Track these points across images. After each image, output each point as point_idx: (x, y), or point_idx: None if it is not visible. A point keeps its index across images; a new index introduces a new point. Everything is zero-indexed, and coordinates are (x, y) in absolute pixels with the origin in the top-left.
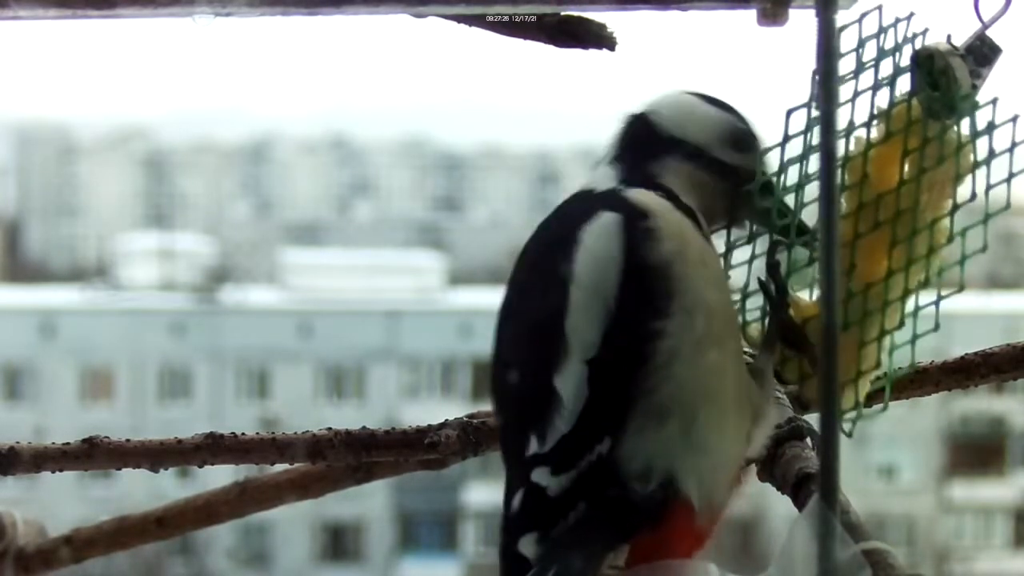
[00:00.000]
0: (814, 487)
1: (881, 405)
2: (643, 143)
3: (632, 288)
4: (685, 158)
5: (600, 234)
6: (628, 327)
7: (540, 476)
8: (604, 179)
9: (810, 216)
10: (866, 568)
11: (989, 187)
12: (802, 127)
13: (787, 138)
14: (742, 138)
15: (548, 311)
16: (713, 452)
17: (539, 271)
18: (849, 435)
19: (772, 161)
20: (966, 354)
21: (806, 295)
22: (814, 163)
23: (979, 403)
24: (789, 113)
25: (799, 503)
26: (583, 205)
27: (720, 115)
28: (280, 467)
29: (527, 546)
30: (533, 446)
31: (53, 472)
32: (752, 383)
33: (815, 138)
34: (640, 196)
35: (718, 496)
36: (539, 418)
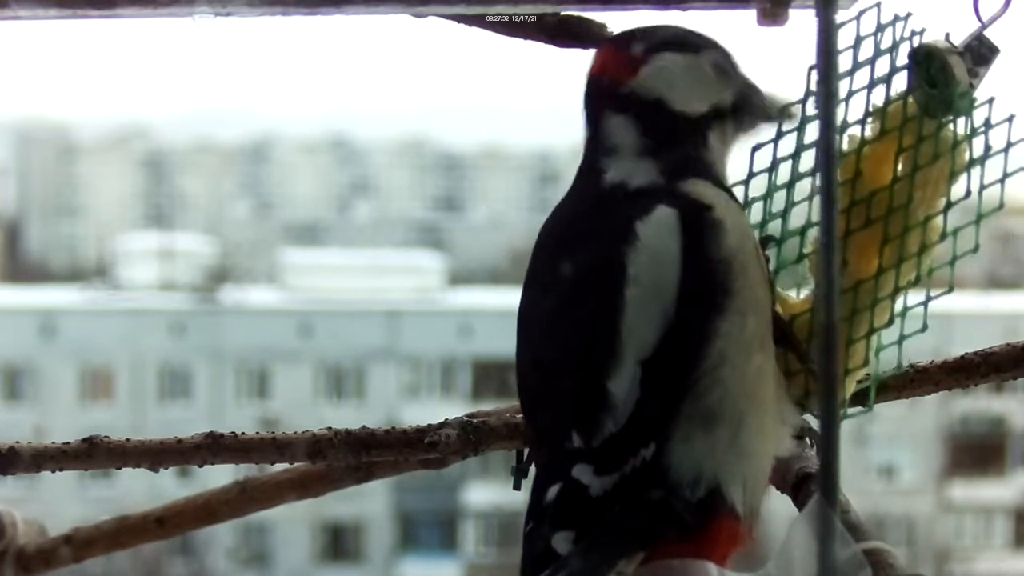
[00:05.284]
0: (814, 487)
1: (865, 407)
2: (668, 130)
3: (691, 286)
4: (711, 127)
5: (659, 230)
6: (685, 328)
7: (582, 473)
8: (639, 172)
9: (800, 215)
10: (866, 567)
11: (983, 187)
12: (795, 124)
13: (780, 135)
14: (727, 68)
15: (600, 308)
16: (756, 457)
17: (585, 264)
18: None
19: (764, 159)
20: (966, 354)
21: (794, 292)
22: (806, 161)
23: (979, 403)
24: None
25: (799, 503)
26: (630, 200)
27: (706, 61)
28: (280, 467)
29: (561, 543)
30: (576, 441)
31: (53, 472)
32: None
33: (808, 136)
34: (697, 188)
35: (759, 501)
36: (585, 415)
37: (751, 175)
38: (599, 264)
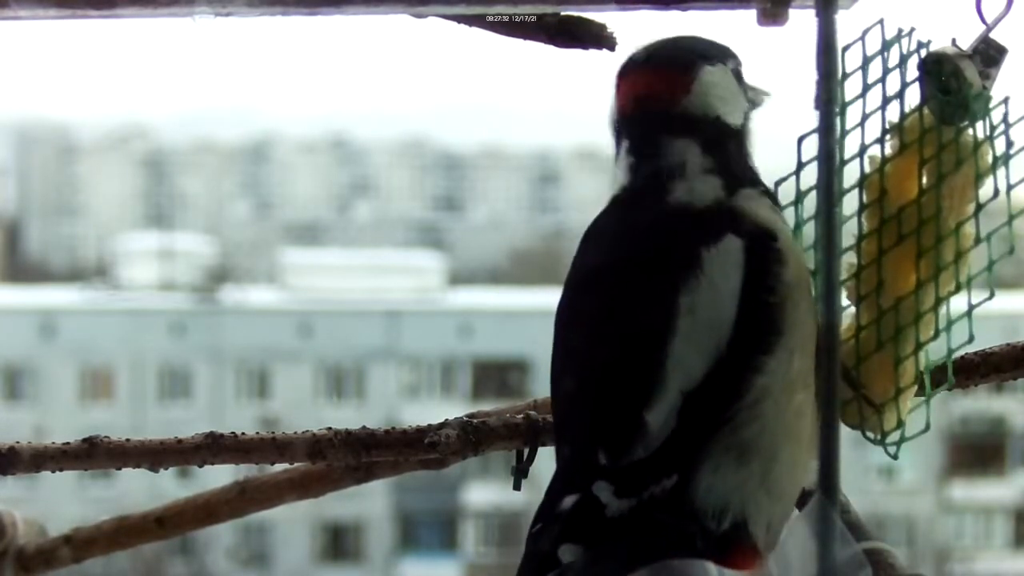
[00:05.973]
0: (814, 487)
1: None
2: (726, 144)
3: (745, 322)
4: (747, 134)
5: (724, 262)
6: (732, 362)
7: (601, 491)
8: (706, 189)
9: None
10: (866, 567)
11: (1010, 186)
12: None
13: (800, 166)
14: (742, 75)
15: (649, 335)
16: (785, 495)
17: (641, 284)
18: (895, 457)
19: (788, 192)
20: (966, 354)
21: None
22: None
23: (979, 403)
24: (800, 140)
25: (799, 503)
26: (696, 222)
27: (731, 69)
28: (280, 467)
29: (567, 555)
30: (601, 458)
31: (53, 472)
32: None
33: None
34: (760, 209)
35: (779, 535)
36: (617, 436)
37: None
38: (655, 287)
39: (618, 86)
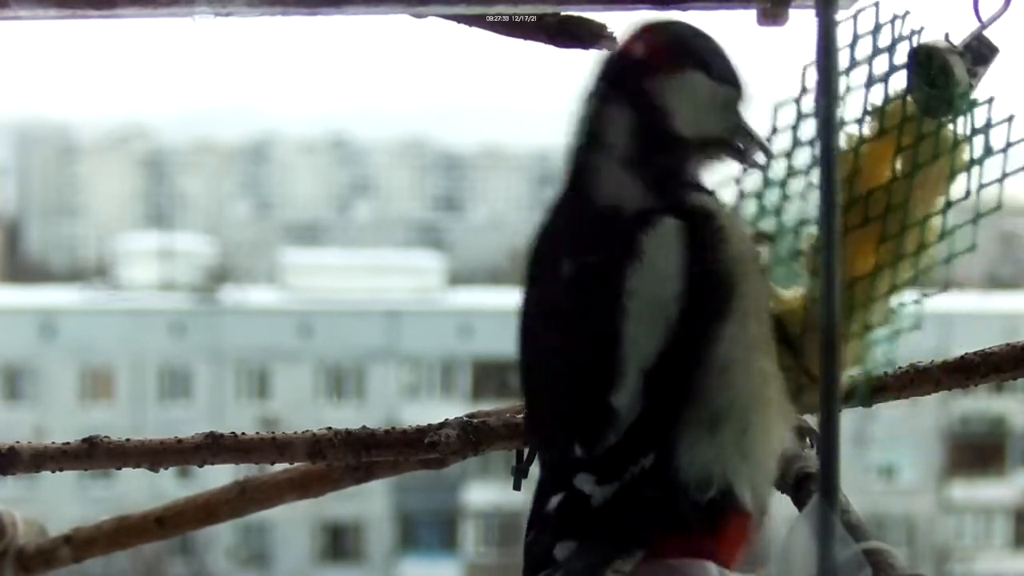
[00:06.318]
0: (814, 487)
1: (853, 403)
2: (659, 143)
3: (694, 295)
4: (695, 152)
5: (662, 242)
6: (688, 335)
7: (584, 483)
8: (629, 187)
9: (795, 212)
10: (866, 567)
11: (982, 186)
12: (791, 122)
13: (774, 131)
14: (735, 107)
15: (602, 322)
16: (763, 457)
17: (588, 277)
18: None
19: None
20: (966, 354)
21: (789, 290)
22: (800, 158)
23: (979, 403)
24: (776, 108)
25: (799, 503)
26: (632, 214)
27: (722, 95)
28: (280, 467)
29: (562, 552)
30: (577, 451)
31: (53, 472)
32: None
33: (802, 132)
34: (697, 198)
35: (766, 499)
36: (587, 425)
37: (745, 170)
38: (601, 277)
39: (631, 37)
